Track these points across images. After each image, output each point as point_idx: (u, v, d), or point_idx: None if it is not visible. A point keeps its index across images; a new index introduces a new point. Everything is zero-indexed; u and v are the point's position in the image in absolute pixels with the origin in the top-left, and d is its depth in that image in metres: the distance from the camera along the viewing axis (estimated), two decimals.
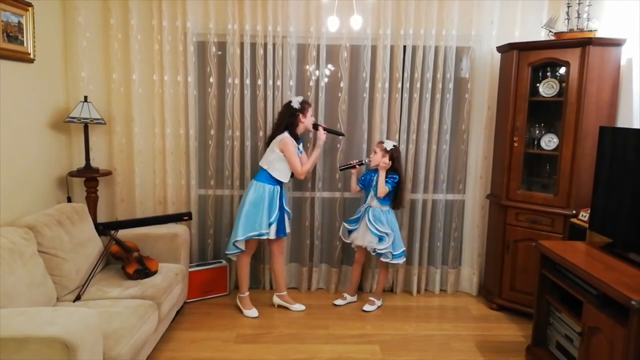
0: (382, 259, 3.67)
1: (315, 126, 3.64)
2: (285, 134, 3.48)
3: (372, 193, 3.67)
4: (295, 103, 3.52)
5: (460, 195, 4.07)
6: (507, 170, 3.59)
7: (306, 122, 3.56)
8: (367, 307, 3.74)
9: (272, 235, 3.47)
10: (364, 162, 3.68)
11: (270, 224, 3.44)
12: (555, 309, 2.87)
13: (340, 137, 3.83)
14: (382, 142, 3.66)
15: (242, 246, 3.50)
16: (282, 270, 3.74)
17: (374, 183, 3.63)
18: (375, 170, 3.65)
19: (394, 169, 3.63)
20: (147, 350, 2.74)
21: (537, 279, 2.96)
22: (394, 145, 3.62)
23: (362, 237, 3.66)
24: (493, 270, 3.80)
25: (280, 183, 3.52)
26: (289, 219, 3.64)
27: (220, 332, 3.34)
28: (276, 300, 3.74)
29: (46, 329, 1.95)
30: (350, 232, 3.76)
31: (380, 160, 3.56)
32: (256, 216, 3.43)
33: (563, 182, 3.35)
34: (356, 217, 3.74)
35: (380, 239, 3.61)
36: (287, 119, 3.51)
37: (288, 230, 3.64)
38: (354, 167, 3.66)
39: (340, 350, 3.14)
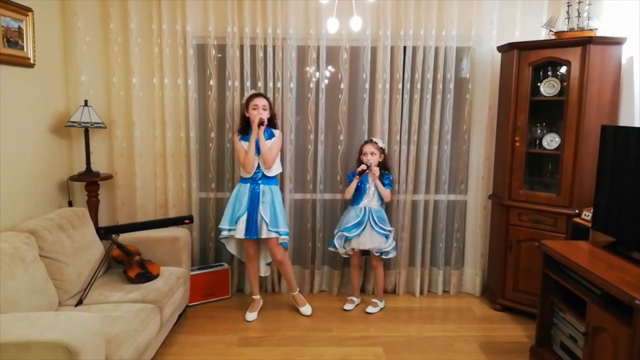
0: (383, 256, 3.66)
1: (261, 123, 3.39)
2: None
3: (366, 195, 3.63)
4: (244, 99, 3.56)
5: (462, 196, 4.06)
6: (509, 170, 3.58)
7: (250, 116, 3.43)
8: (370, 309, 3.73)
9: (239, 234, 3.40)
10: (368, 165, 3.55)
11: (236, 220, 3.42)
12: (559, 309, 2.85)
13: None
14: (373, 142, 3.63)
15: (228, 247, 3.63)
16: (286, 274, 3.68)
17: (370, 185, 3.62)
18: (366, 173, 3.60)
19: (386, 167, 3.73)
20: (149, 354, 2.73)
21: (541, 279, 2.95)
22: (382, 144, 3.71)
23: (370, 241, 3.59)
24: (496, 270, 3.79)
25: (247, 180, 3.46)
26: (267, 225, 3.38)
27: (223, 335, 3.33)
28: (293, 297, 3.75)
29: (48, 334, 1.94)
30: (347, 239, 3.62)
31: (374, 169, 3.54)
32: (225, 214, 3.52)
33: (565, 182, 3.34)
34: (357, 222, 3.60)
35: (386, 237, 3.63)
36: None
37: (263, 235, 3.38)
38: (365, 171, 3.54)
39: (343, 353, 3.13)
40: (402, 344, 3.26)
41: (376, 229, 3.59)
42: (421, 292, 4.09)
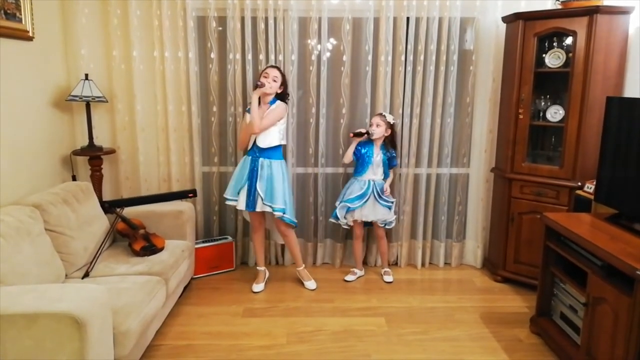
0: (387, 227, 3.74)
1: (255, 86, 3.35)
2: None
3: (371, 167, 3.62)
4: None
5: (464, 169, 4.06)
6: (512, 143, 3.57)
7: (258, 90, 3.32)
8: (388, 278, 3.82)
9: (240, 206, 3.43)
10: (369, 132, 3.57)
11: (238, 191, 3.43)
12: (560, 280, 2.88)
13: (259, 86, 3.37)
14: (382, 115, 3.63)
15: (244, 215, 3.64)
16: (291, 248, 3.70)
17: (375, 158, 3.61)
18: (371, 144, 3.62)
19: (394, 144, 3.72)
20: (156, 324, 2.78)
21: (542, 251, 2.97)
22: (393, 120, 3.66)
23: (374, 213, 3.64)
24: (497, 242, 3.81)
25: (250, 153, 3.44)
26: (262, 201, 3.36)
27: (228, 306, 3.38)
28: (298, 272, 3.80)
29: (56, 305, 1.97)
30: (350, 210, 3.65)
31: (382, 134, 3.57)
32: (230, 183, 3.54)
33: (568, 154, 3.33)
34: (360, 194, 3.61)
35: (389, 209, 3.68)
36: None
37: (258, 208, 3.38)
38: (362, 135, 3.56)
39: (346, 323, 3.18)
40: (404, 315, 3.31)
41: (380, 202, 3.62)
42: (423, 264, 4.13)
